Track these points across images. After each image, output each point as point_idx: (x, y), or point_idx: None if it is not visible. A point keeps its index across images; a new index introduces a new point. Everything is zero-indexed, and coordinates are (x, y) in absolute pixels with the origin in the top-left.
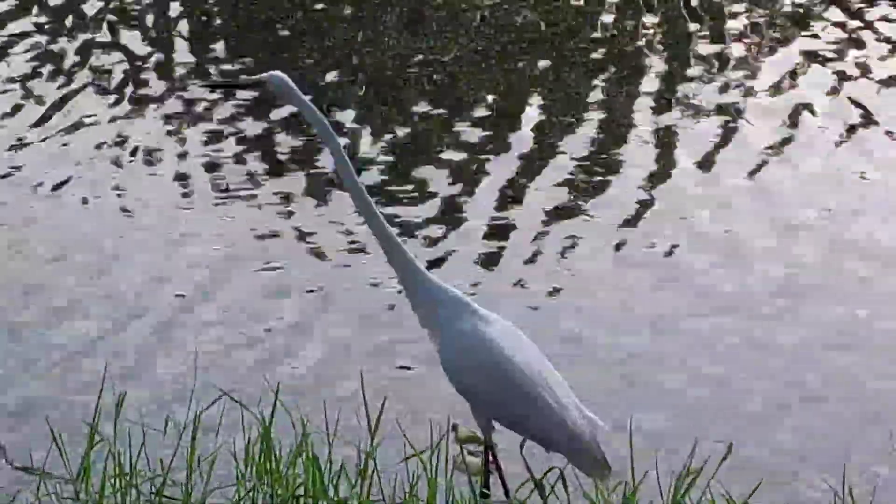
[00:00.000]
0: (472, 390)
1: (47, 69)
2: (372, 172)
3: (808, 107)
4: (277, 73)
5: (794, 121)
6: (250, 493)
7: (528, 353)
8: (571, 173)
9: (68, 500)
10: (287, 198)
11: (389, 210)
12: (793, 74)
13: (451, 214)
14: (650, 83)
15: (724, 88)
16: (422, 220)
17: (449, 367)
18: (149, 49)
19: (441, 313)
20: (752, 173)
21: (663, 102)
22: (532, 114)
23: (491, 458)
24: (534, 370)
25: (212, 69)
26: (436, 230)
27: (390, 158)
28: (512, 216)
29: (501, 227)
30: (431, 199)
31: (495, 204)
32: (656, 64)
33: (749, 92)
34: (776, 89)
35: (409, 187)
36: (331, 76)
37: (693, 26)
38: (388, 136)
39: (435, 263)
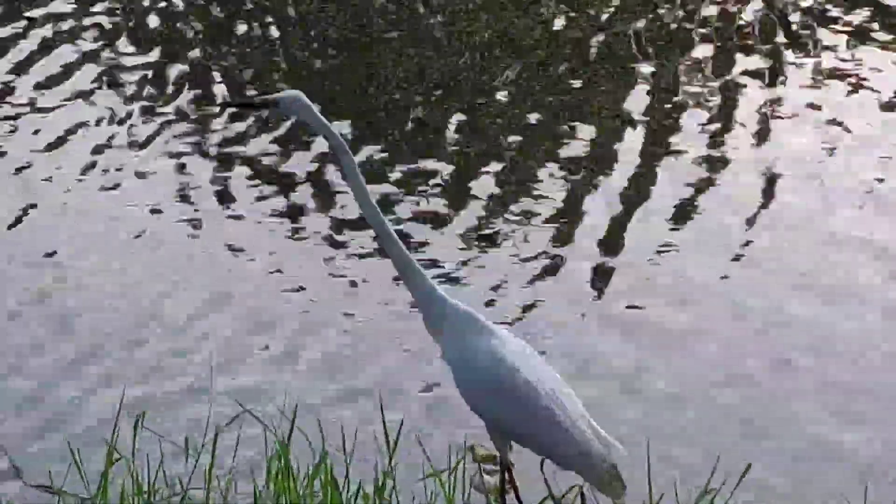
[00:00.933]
0: (483, 407)
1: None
2: (381, 187)
3: None
4: (294, 91)
5: None
6: None
7: (539, 370)
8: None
9: None
10: (299, 212)
11: (399, 224)
12: None
13: (463, 230)
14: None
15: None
16: (431, 234)
17: (460, 384)
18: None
19: (452, 329)
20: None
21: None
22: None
23: (508, 476)
24: (544, 387)
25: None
26: (447, 245)
27: (397, 173)
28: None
29: (510, 245)
30: (443, 216)
31: (511, 218)
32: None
33: None
34: None
35: (418, 202)
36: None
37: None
38: (394, 150)
39: (446, 279)
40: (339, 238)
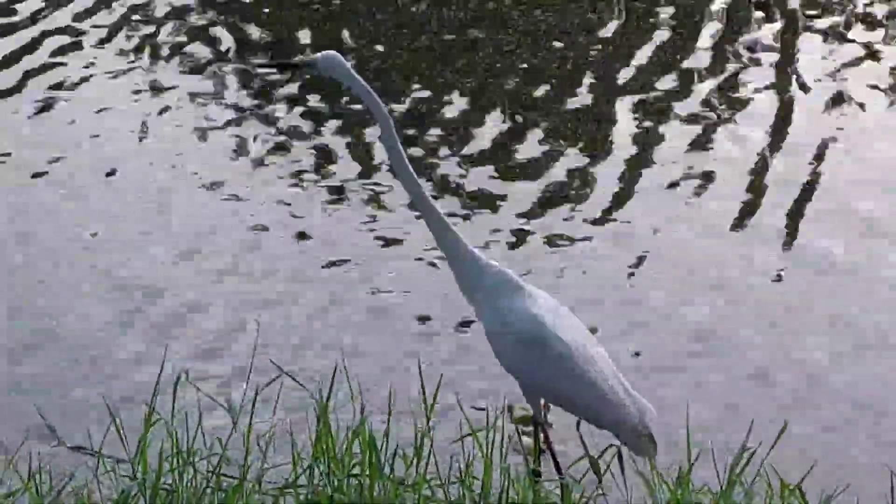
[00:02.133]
0: (518, 367)
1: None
2: (416, 150)
3: None
4: (331, 52)
5: None
6: (306, 472)
7: (575, 330)
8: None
9: (125, 478)
10: (340, 191)
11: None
12: None
13: (498, 192)
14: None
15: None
16: (466, 195)
17: (495, 345)
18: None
19: (488, 290)
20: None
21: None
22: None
23: (544, 439)
24: (580, 347)
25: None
26: (481, 205)
27: (436, 135)
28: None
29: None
30: (476, 175)
31: (547, 185)
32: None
33: None
34: None
35: (450, 160)
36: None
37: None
38: (430, 114)
39: (481, 240)
40: (373, 199)
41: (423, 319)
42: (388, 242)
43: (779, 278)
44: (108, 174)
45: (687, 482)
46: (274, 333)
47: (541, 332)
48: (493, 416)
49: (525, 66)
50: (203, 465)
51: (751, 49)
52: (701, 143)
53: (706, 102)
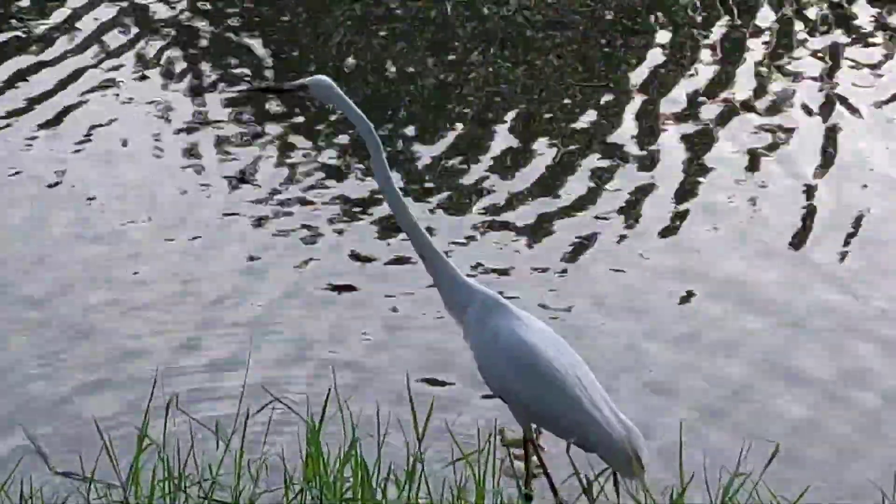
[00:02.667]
0: (505, 389)
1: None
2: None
3: None
4: (322, 76)
5: None
6: (298, 497)
7: (561, 352)
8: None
9: (118, 503)
10: (341, 206)
11: (422, 209)
12: None
13: (487, 214)
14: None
15: None
16: (455, 220)
17: (482, 367)
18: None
19: (475, 311)
20: None
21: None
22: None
23: (537, 459)
24: (566, 369)
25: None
26: (469, 230)
27: (425, 160)
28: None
29: (539, 227)
30: (468, 199)
31: (536, 207)
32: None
33: None
34: None
35: (440, 186)
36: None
37: None
38: (421, 138)
39: (469, 263)
40: (369, 223)
41: (415, 342)
42: (388, 264)
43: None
44: (90, 198)
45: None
46: (266, 356)
47: (528, 353)
48: (484, 440)
49: (572, 98)
50: (195, 491)
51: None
52: (749, 170)
53: (752, 130)
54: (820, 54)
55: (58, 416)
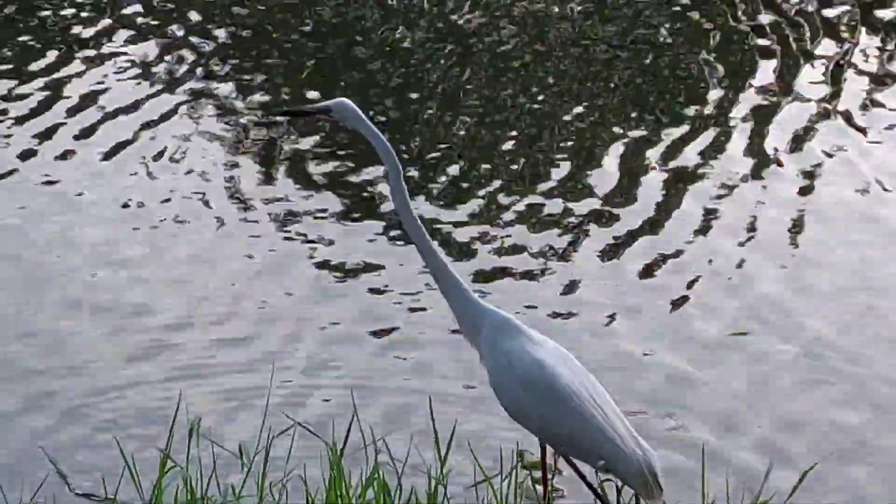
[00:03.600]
0: (522, 411)
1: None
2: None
3: None
4: (343, 99)
5: None
6: None
7: (577, 374)
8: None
9: None
10: (360, 232)
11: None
12: None
13: (502, 238)
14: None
15: None
16: (469, 242)
17: (497, 389)
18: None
19: (489, 333)
20: None
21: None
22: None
23: (542, 478)
24: (582, 391)
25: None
26: (485, 252)
27: (440, 183)
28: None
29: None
30: (481, 222)
31: (547, 233)
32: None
33: None
34: None
35: (455, 207)
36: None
37: None
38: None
39: (484, 285)
40: (391, 245)
41: (437, 364)
42: (407, 284)
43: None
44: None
45: None
46: (288, 379)
47: (544, 376)
48: (506, 463)
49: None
50: None
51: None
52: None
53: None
54: None
55: (78, 437)
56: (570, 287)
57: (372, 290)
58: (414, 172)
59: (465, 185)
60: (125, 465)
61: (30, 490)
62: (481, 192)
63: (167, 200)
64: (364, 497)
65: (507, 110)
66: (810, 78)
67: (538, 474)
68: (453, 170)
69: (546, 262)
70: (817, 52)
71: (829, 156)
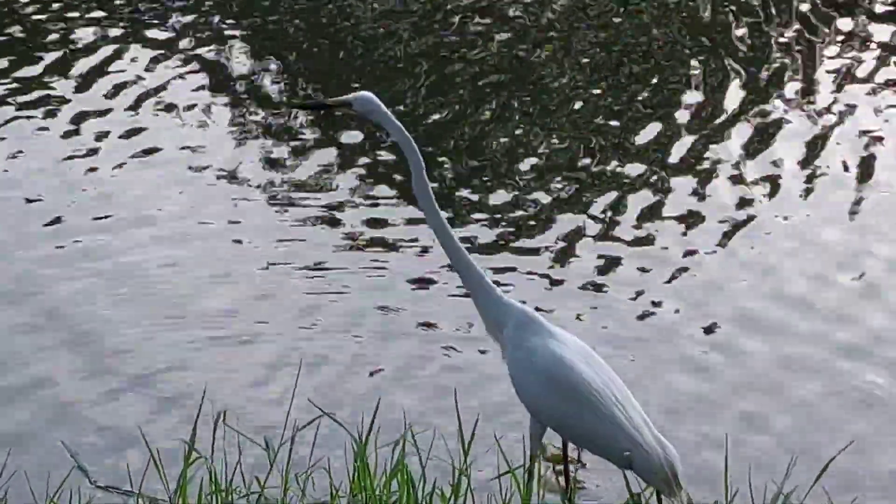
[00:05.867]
0: (542, 406)
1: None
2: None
3: None
4: (366, 93)
5: None
6: None
7: (598, 370)
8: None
9: None
10: (389, 228)
11: (460, 227)
12: None
13: (522, 231)
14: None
15: None
16: (491, 236)
17: (519, 384)
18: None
19: (512, 329)
20: None
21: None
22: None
23: (564, 473)
24: (603, 387)
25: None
26: (505, 247)
27: (463, 177)
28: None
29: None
30: (502, 217)
31: (564, 227)
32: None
33: None
34: None
35: (479, 203)
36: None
37: None
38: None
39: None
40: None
41: (465, 357)
42: (430, 282)
43: None
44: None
45: None
46: (314, 370)
47: (565, 373)
48: (528, 455)
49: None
50: (242, 503)
51: None
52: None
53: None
54: None
55: (99, 429)
56: (593, 279)
57: (409, 281)
58: (439, 171)
59: (487, 180)
60: (150, 458)
61: (49, 481)
62: (505, 188)
63: (198, 182)
64: (388, 488)
65: (532, 104)
66: None
67: (560, 467)
68: (474, 165)
69: (566, 257)
70: None
71: None
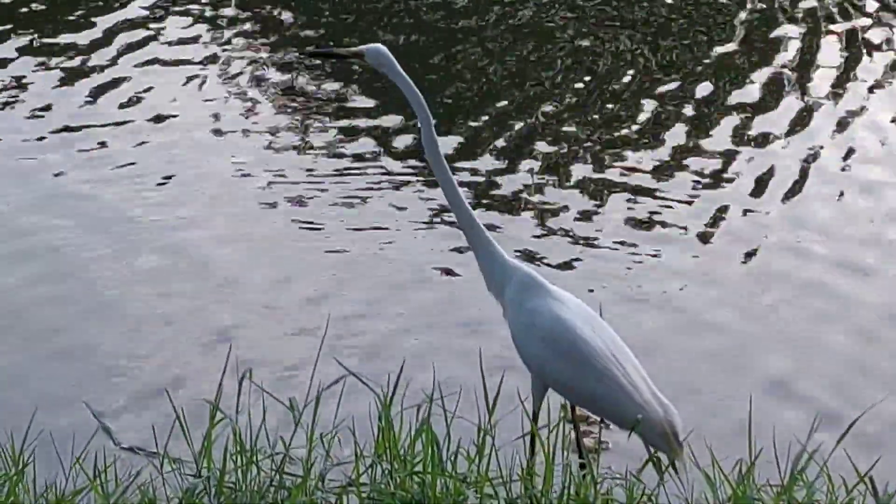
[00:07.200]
0: (544, 369)
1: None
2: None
3: None
4: (376, 45)
5: None
6: (369, 470)
7: (599, 331)
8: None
9: (189, 476)
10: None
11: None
12: None
13: (532, 192)
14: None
15: None
16: (498, 194)
17: (521, 347)
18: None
19: (514, 289)
20: None
21: None
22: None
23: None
24: (604, 348)
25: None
26: (513, 206)
27: (472, 131)
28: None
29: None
30: (510, 174)
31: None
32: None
33: None
34: None
35: (487, 158)
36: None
37: None
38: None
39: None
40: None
41: (489, 319)
42: (455, 250)
43: None
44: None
45: (749, 478)
46: (339, 330)
47: (565, 333)
48: (554, 414)
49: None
50: (266, 464)
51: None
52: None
53: None
54: None
55: (123, 390)
56: (599, 241)
57: (429, 246)
58: (447, 125)
59: (501, 142)
60: (174, 418)
61: (75, 443)
62: (516, 146)
63: (223, 159)
64: (413, 449)
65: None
66: None
67: (584, 428)
68: (487, 121)
69: (572, 219)
70: None
71: None
